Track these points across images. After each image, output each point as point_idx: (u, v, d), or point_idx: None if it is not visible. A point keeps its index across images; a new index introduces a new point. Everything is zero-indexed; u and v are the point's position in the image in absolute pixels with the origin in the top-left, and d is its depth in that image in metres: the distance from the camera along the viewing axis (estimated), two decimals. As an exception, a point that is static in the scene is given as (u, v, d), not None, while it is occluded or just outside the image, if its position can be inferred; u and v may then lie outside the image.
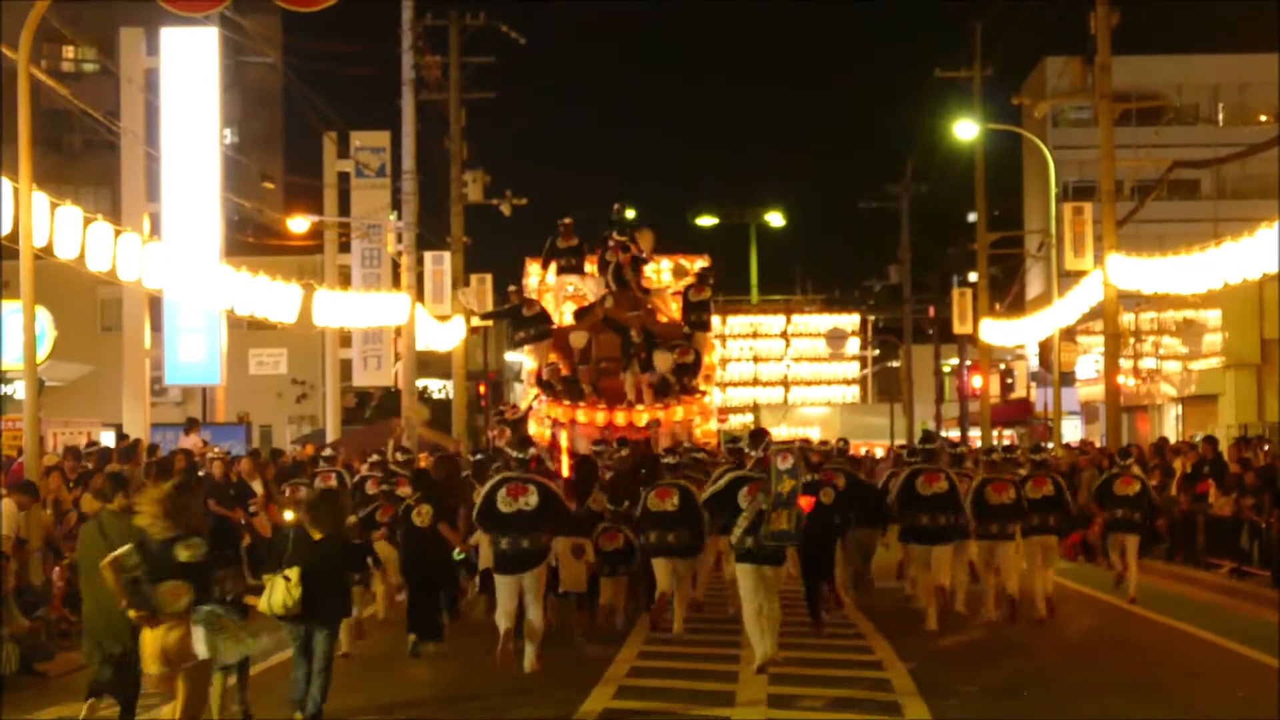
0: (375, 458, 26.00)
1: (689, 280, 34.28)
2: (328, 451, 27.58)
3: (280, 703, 15.67)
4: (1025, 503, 22.27)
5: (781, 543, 17.33)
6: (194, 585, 13.43)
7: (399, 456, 26.44)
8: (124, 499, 15.22)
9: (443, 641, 19.88)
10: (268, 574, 14.99)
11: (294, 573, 14.64)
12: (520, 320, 33.00)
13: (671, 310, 33.78)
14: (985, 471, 22.88)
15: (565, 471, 26.74)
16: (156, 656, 13.42)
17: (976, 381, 60.47)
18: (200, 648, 13.52)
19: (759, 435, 21.48)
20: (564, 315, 33.79)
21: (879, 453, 45.63)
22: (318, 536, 15.17)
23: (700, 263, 35.80)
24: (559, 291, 34.21)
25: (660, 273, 35.62)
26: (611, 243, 33.71)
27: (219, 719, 14.88)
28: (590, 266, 34.15)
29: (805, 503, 18.17)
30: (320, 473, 25.34)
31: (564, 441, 30.73)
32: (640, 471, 24.04)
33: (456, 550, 20.08)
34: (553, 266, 34.40)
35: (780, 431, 62.02)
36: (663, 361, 31.06)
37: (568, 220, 34.19)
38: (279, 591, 14.60)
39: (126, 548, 13.65)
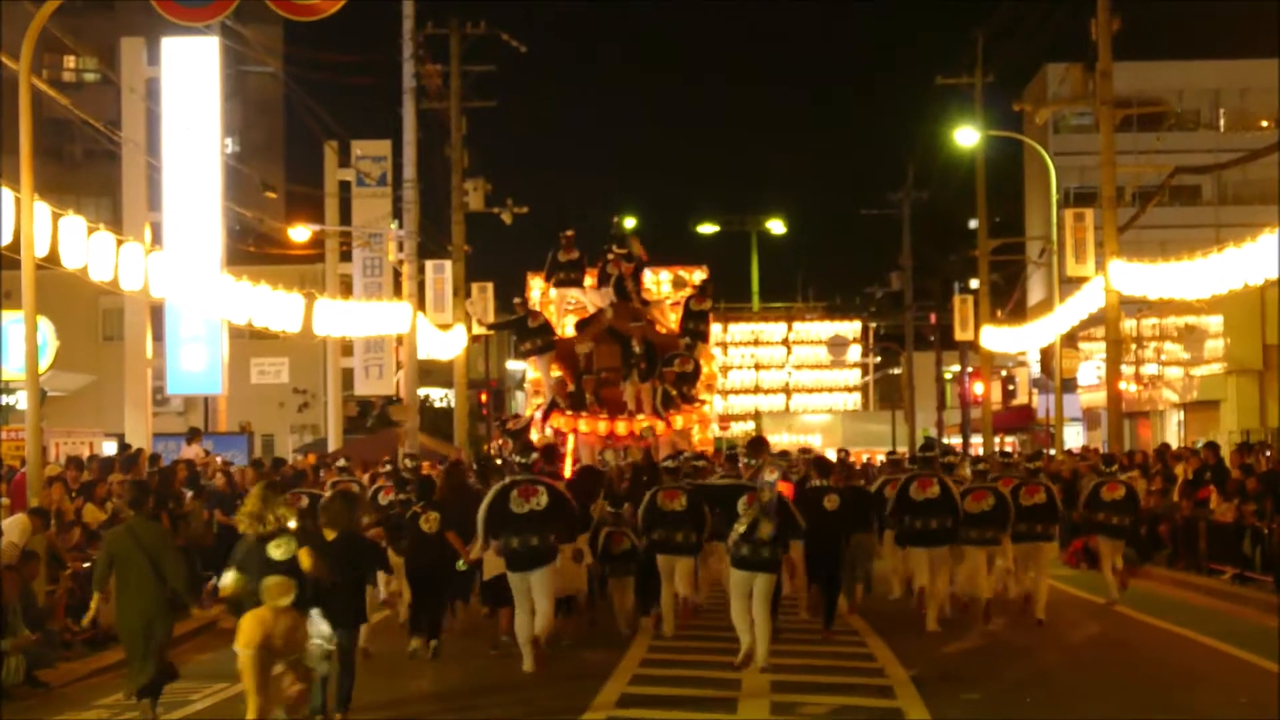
0: (388, 467, 26.04)
1: (689, 291, 34.50)
2: (342, 462, 27.60)
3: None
4: (1012, 510, 22.69)
5: (766, 547, 18.41)
6: (296, 581, 13.98)
7: (409, 463, 26.60)
8: (154, 504, 15.59)
9: (439, 639, 20.00)
10: None
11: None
12: (525, 331, 33.30)
13: (670, 321, 34.00)
14: (972, 481, 23.37)
15: (567, 475, 26.92)
16: (253, 640, 13.78)
17: (978, 388, 60.48)
18: (314, 651, 14.28)
19: (758, 444, 22.17)
20: (566, 327, 33.96)
21: (880, 459, 45.65)
22: (331, 537, 15.42)
23: (699, 274, 35.97)
24: (561, 304, 34.36)
25: (660, 284, 35.76)
26: (611, 255, 33.87)
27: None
28: (590, 279, 34.28)
29: (785, 487, 18.88)
30: (340, 483, 25.17)
31: (570, 446, 30.96)
32: (642, 479, 24.28)
33: (460, 561, 20.17)
34: (555, 279, 34.55)
35: (782, 439, 62.06)
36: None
37: (569, 233, 34.41)
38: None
39: (231, 577, 14.08)
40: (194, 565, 22.01)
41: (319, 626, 14.39)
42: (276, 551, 14.01)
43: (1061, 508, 24.53)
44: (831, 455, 29.61)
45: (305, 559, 14.04)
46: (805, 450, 32.44)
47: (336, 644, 15.26)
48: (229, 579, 14.20)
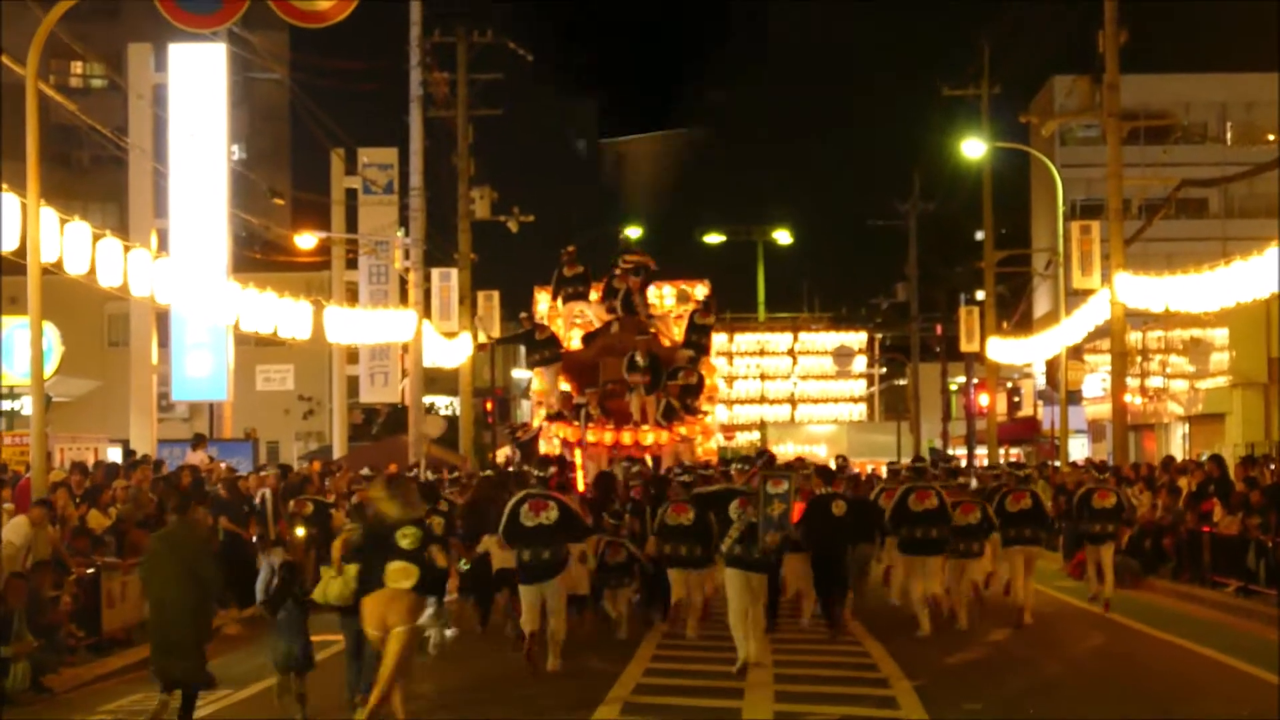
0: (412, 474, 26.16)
1: (693, 305, 34.81)
2: (366, 471, 27.68)
3: (330, 692, 16.33)
4: (995, 524, 23.70)
5: (772, 559, 19.82)
6: (420, 567, 15.06)
7: (430, 474, 26.79)
8: (195, 510, 17.16)
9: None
10: (328, 567, 16.00)
11: (351, 569, 15.48)
12: (533, 344, 33.58)
13: (674, 334, 34.22)
14: (958, 494, 24.24)
15: (580, 487, 27.35)
16: (377, 623, 14.99)
17: (983, 400, 60.44)
18: (432, 633, 16.27)
19: (761, 455, 23.29)
20: (573, 340, 34.17)
21: (885, 471, 45.64)
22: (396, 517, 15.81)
23: (702, 288, 36.17)
24: (569, 317, 34.56)
25: (663, 298, 35.96)
26: (619, 270, 34.09)
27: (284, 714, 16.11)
28: (595, 293, 34.48)
29: (797, 507, 19.95)
30: (359, 490, 25.17)
31: (578, 459, 31.13)
32: (650, 492, 24.70)
33: (463, 561, 20.60)
34: (561, 294, 34.75)
35: (787, 449, 62.02)
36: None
37: (570, 249, 34.64)
38: (336, 584, 15.56)
39: (353, 527, 15.62)
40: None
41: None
42: (404, 540, 15.02)
43: (1052, 515, 25.28)
44: (831, 465, 30.07)
45: (439, 557, 15.35)
46: (801, 461, 32.58)
47: (366, 640, 15.77)
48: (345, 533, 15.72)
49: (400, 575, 14.97)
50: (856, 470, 31.89)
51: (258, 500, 26.04)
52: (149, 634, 16.34)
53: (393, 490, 15.51)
